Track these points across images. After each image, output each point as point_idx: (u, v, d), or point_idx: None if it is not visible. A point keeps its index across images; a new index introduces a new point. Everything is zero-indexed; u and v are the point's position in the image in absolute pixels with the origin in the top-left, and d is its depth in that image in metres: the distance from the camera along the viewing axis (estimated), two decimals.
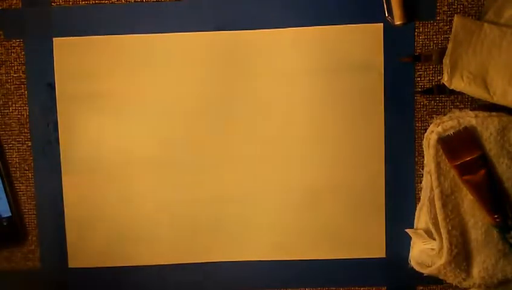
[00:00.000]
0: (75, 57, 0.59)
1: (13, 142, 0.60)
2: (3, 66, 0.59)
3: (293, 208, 0.59)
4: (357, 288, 0.60)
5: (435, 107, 0.59)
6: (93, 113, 0.59)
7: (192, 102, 0.59)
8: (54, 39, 0.59)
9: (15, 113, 0.59)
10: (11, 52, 0.59)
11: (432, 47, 0.58)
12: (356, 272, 0.60)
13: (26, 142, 0.60)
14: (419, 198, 0.58)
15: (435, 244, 0.55)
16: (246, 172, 0.59)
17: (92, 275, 0.60)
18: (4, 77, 0.59)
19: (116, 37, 0.59)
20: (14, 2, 0.58)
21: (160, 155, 0.59)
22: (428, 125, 0.56)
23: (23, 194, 0.60)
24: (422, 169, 0.58)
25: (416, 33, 0.58)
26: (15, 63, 0.59)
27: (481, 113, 0.54)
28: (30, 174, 0.60)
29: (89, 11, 0.58)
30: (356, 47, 0.58)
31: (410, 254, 0.59)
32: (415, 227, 0.58)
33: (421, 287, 0.60)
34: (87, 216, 0.59)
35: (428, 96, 0.58)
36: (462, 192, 0.55)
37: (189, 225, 0.60)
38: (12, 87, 0.59)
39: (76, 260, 0.60)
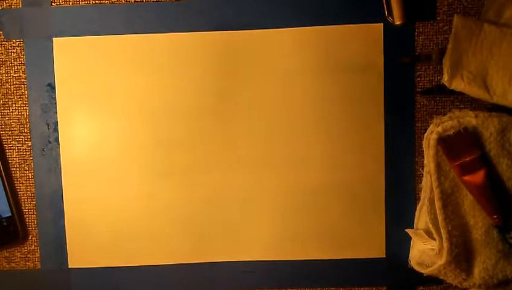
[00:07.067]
0: (75, 57, 0.59)
1: (13, 142, 0.60)
2: (4, 66, 0.59)
3: (293, 208, 0.59)
4: (357, 288, 0.60)
5: (435, 107, 0.58)
6: (93, 113, 0.59)
7: (192, 102, 0.59)
8: (54, 39, 0.59)
9: (15, 113, 0.59)
10: (11, 52, 0.59)
11: (431, 47, 0.58)
12: (356, 272, 0.60)
13: (26, 142, 0.60)
14: (419, 198, 0.58)
15: (435, 245, 0.55)
16: (246, 172, 0.59)
17: (92, 275, 0.60)
18: (4, 77, 0.59)
19: (116, 37, 0.59)
20: (14, 2, 0.58)
21: (160, 155, 0.59)
22: (428, 126, 0.56)
23: (23, 194, 0.60)
24: (422, 169, 0.58)
25: (416, 33, 0.58)
26: (15, 63, 0.59)
27: (481, 113, 0.54)
28: (30, 174, 0.60)
29: (89, 11, 0.58)
30: (356, 47, 0.58)
31: (410, 254, 0.59)
32: (415, 227, 0.58)
33: (421, 288, 0.60)
34: (87, 216, 0.59)
35: (428, 96, 0.58)
36: (463, 192, 0.54)
37: (188, 225, 0.60)
38: (12, 87, 0.59)
39: (76, 260, 0.60)
